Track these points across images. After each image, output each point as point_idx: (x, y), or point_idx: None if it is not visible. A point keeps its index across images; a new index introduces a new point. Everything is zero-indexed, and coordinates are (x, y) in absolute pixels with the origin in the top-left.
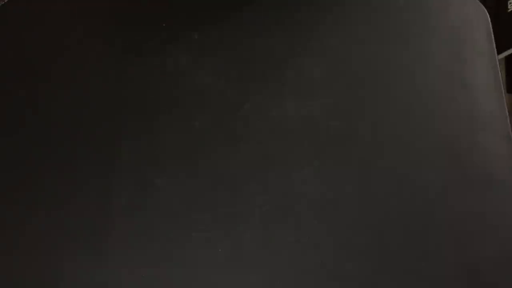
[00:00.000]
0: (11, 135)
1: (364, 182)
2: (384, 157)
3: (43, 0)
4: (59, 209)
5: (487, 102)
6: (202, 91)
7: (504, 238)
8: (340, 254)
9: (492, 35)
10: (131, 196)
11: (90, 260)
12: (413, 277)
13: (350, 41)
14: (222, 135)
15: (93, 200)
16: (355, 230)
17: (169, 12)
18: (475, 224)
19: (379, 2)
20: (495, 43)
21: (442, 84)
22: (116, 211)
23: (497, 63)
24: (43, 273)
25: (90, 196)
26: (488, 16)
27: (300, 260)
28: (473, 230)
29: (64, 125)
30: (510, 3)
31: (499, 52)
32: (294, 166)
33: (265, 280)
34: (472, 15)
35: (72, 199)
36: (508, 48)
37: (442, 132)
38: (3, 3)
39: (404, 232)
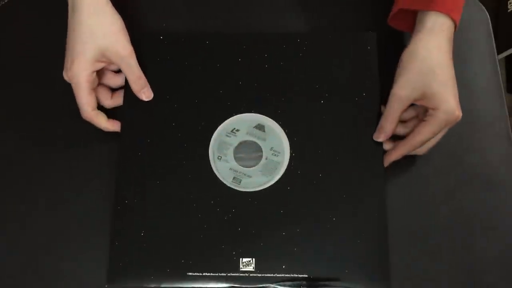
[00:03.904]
0: (11, 135)
1: None
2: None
3: (43, 0)
4: (59, 209)
5: (487, 102)
6: None
7: (504, 238)
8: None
9: (492, 35)
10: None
11: (90, 260)
12: (413, 276)
13: None
14: None
15: (93, 200)
16: None
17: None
18: (475, 224)
19: (379, 2)
20: (495, 43)
21: None
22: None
23: (497, 63)
24: (43, 272)
25: (90, 196)
26: (488, 16)
27: None
28: (473, 230)
29: (64, 124)
30: (510, 3)
31: (499, 52)
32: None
33: None
34: (472, 15)
35: (72, 199)
36: (508, 48)
37: None
38: (3, 3)
39: (404, 232)
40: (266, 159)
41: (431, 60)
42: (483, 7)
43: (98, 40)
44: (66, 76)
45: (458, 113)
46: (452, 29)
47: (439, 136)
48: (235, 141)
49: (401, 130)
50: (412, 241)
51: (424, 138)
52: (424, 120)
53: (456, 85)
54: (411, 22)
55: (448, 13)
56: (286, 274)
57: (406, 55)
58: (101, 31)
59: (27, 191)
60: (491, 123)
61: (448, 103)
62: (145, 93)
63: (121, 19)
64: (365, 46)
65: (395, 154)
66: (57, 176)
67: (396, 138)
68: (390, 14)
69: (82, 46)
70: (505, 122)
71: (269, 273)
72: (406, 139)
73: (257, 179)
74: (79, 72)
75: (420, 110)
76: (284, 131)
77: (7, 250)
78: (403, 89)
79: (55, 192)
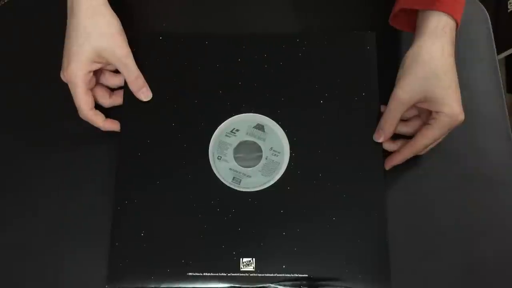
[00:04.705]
0: (10, 135)
1: None
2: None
3: (43, 0)
4: (58, 209)
5: (487, 102)
6: None
7: (504, 238)
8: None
9: (492, 35)
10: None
11: (90, 260)
12: (413, 276)
13: None
14: None
15: (93, 200)
16: None
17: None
18: (475, 223)
19: (379, 2)
20: (495, 43)
21: None
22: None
23: (497, 63)
24: (43, 272)
25: (90, 196)
26: (488, 16)
27: None
28: (473, 229)
29: (64, 124)
30: (510, 3)
31: (499, 52)
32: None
33: None
34: (472, 15)
35: (72, 199)
36: (508, 48)
37: None
38: (3, 3)
39: (404, 232)
40: (266, 159)
41: (434, 64)
42: (483, 7)
43: (94, 41)
44: (63, 76)
45: (461, 117)
46: (454, 30)
47: (441, 138)
48: (235, 141)
49: (402, 129)
50: (412, 241)
51: (427, 142)
52: (427, 124)
53: (459, 89)
54: (412, 22)
55: (450, 13)
56: (286, 274)
57: (409, 58)
58: (97, 32)
59: (27, 191)
60: (491, 123)
61: (451, 107)
62: (144, 93)
63: (118, 20)
64: (364, 46)
65: (398, 157)
66: (56, 176)
67: (396, 136)
68: (391, 14)
69: (79, 47)
70: (505, 122)
71: (269, 273)
72: (410, 142)
73: (257, 179)
74: (76, 72)
75: (422, 110)
76: (284, 131)
77: (7, 250)
78: (405, 92)
79: (55, 192)
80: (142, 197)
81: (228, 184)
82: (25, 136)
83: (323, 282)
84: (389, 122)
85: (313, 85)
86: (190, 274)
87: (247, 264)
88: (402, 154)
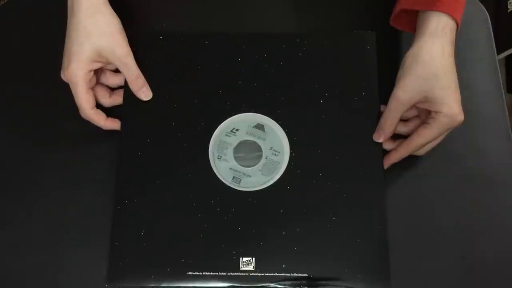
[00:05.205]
0: (11, 135)
1: None
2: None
3: (43, 0)
4: (58, 208)
5: (487, 102)
6: None
7: (504, 238)
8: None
9: (492, 35)
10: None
11: (90, 260)
12: (413, 276)
13: None
14: None
15: (93, 200)
16: None
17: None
18: (475, 223)
19: (379, 2)
20: (495, 43)
21: None
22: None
23: (497, 63)
24: (43, 272)
25: (90, 195)
26: (488, 16)
27: None
28: (473, 229)
29: (64, 124)
30: (510, 3)
31: (499, 52)
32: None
33: None
34: (472, 15)
35: (72, 198)
36: (508, 48)
37: None
38: (3, 3)
39: (404, 232)
40: (266, 158)
41: (434, 65)
42: (483, 7)
43: (94, 41)
44: (63, 76)
45: (460, 117)
46: (455, 30)
47: (440, 138)
48: (234, 140)
49: (401, 129)
50: (412, 241)
51: (425, 141)
52: (426, 123)
53: (458, 89)
54: (413, 23)
55: (450, 13)
56: (286, 273)
57: (409, 58)
58: (98, 32)
59: (27, 191)
60: (491, 123)
61: (451, 107)
62: (144, 93)
63: (118, 20)
64: (364, 46)
65: (395, 156)
66: (57, 175)
67: (396, 137)
68: (392, 14)
69: (79, 47)
70: (505, 122)
71: (269, 273)
72: (406, 141)
73: (257, 178)
74: (76, 71)
75: (421, 110)
76: (284, 130)
77: (7, 250)
78: (404, 92)
79: (55, 192)
80: (142, 197)
81: (228, 184)
82: (25, 136)
83: (323, 282)
84: (389, 122)
85: (313, 85)
86: (190, 273)
87: (247, 264)
88: (398, 152)
